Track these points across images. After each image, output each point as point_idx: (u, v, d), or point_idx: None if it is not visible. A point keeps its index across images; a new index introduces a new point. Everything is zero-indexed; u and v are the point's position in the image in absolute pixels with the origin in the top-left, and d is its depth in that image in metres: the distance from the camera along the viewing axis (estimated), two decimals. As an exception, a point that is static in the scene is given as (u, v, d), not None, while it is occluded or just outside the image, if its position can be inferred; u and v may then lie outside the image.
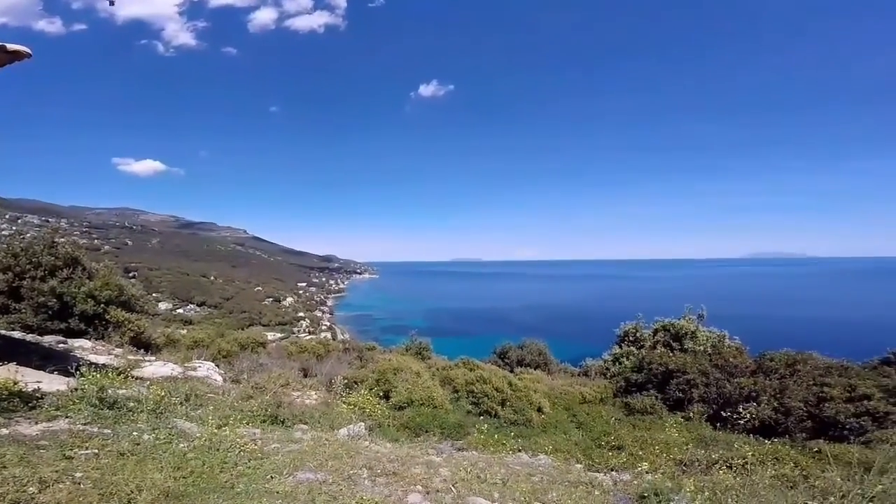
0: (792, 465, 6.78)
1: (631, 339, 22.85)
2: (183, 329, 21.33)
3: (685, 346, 20.03)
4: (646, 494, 4.87)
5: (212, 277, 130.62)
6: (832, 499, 4.58)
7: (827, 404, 13.32)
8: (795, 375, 14.78)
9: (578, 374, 21.53)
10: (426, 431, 9.78)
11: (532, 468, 6.63)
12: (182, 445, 4.94)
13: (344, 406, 10.25)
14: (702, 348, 19.52)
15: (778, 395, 14.01)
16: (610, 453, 8.83)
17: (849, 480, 5.22)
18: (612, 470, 6.95)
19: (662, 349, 19.96)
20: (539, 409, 13.44)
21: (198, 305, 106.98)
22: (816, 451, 8.72)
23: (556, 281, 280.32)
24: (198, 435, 5.27)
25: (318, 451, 5.62)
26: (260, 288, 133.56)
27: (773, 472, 6.17)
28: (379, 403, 11.39)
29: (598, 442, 10.33)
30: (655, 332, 22.01)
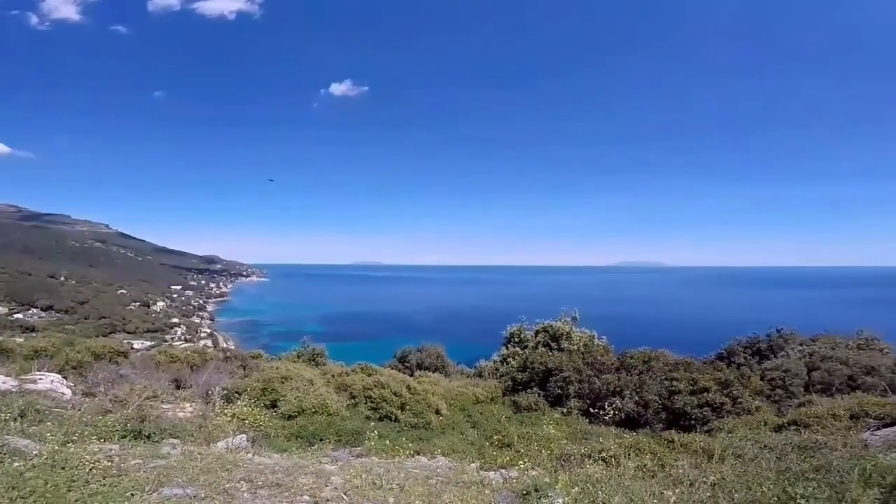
0: (651, 455, 7.56)
1: (516, 340, 24.38)
2: (19, 337, 18.07)
3: (562, 346, 21.81)
4: (527, 491, 5.17)
5: (62, 278, 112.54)
6: (682, 487, 5.20)
7: (676, 397, 14.87)
8: (651, 371, 16.40)
9: (473, 375, 22.35)
10: (321, 440, 9.47)
11: (430, 471, 6.71)
12: (17, 464, 4.29)
13: (223, 418, 9.57)
14: (576, 348, 21.37)
15: (638, 390, 15.44)
16: (499, 451, 9.25)
17: (695, 468, 6.04)
18: (501, 468, 7.29)
19: (543, 349, 21.51)
20: (437, 412, 13.63)
21: (42, 310, 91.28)
22: (670, 441, 9.62)
23: (454, 285, 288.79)
24: (36, 453, 4.57)
25: (188, 465, 5.19)
26: (124, 291, 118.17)
27: (636, 463, 6.81)
28: (264, 414, 10.82)
29: (491, 440, 10.75)
30: (537, 333, 23.70)
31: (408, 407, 13.21)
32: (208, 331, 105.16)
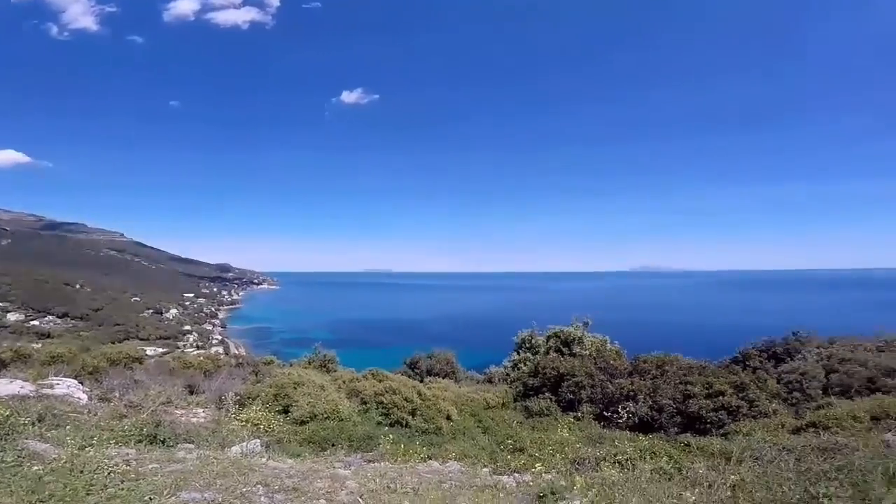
0: (667, 458, 7.49)
1: (527, 346, 24.29)
2: (37, 343, 18.40)
3: (574, 351, 21.69)
4: (543, 494, 5.18)
5: (77, 285, 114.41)
6: (700, 488, 5.19)
7: (691, 401, 14.83)
8: (664, 376, 16.35)
9: (483, 381, 22.32)
10: (333, 445, 9.48)
11: (442, 475, 6.71)
12: (36, 468, 4.32)
13: (236, 423, 9.66)
14: (587, 353, 21.25)
15: (651, 394, 15.42)
16: (512, 456, 9.20)
17: (713, 470, 5.94)
18: (514, 472, 7.27)
19: (554, 354, 21.41)
20: (448, 417, 13.63)
21: (59, 317, 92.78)
22: (686, 445, 9.62)
23: (464, 292, 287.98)
24: (55, 457, 4.62)
25: (204, 470, 5.21)
26: (137, 298, 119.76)
27: (652, 465, 6.75)
28: (276, 419, 10.92)
29: (502, 445, 10.73)
30: (548, 338, 23.60)
31: (418, 412, 13.20)
32: (219, 338, 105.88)
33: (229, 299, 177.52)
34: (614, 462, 7.31)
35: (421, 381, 18.16)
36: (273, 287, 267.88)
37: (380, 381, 15.35)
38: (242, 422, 9.84)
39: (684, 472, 6.29)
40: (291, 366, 18.92)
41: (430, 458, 8.54)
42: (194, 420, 9.42)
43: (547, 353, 22.29)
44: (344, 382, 15.47)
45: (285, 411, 11.81)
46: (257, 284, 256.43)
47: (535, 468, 7.34)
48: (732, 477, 5.34)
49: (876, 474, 4.72)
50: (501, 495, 5.55)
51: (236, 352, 62.62)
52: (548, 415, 15.24)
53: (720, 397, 14.61)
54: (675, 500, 4.83)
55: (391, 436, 10.20)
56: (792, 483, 4.94)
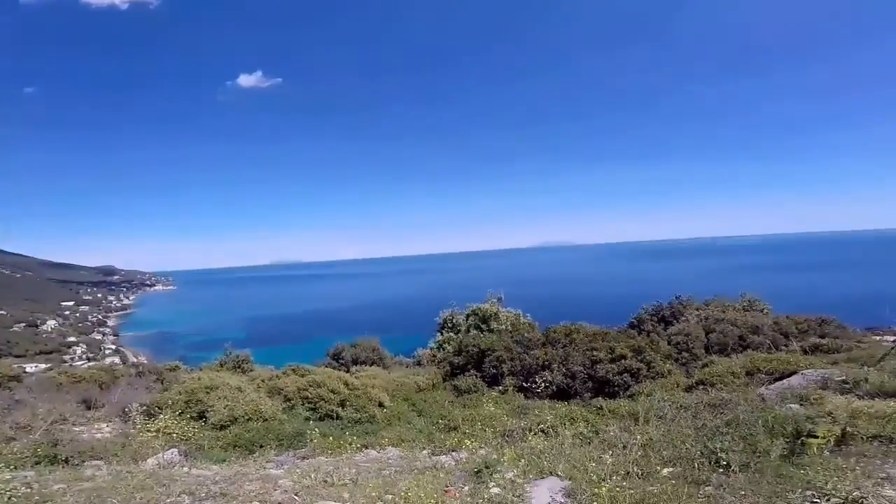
0: (584, 423, 8.10)
1: (449, 325, 24.99)
2: None
3: (492, 327, 22.70)
4: (478, 469, 5.47)
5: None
6: (615, 449, 5.72)
7: (598, 366, 15.75)
8: (573, 344, 17.19)
9: (413, 364, 22.50)
10: (261, 447, 9.14)
11: (382, 462, 6.82)
12: None
13: (147, 434, 9.08)
14: (504, 327, 22.35)
15: (564, 362, 16.30)
16: (447, 435, 9.47)
17: (625, 431, 6.59)
18: (452, 450, 7.55)
19: (475, 332, 22.27)
20: (380, 404, 13.62)
21: None
22: (599, 408, 10.27)
23: (381, 278, 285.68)
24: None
25: (119, 485, 4.88)
26: (3, 311, 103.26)
27: (572, 431, 7.32)
28: (192, 426, 10.36)
29: (438, 426, 10.97)
30: (468, 316, 24.47)
31: (348, 403, 13.08)
32: (113, 347, 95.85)
33: (118, 305, 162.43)
34: (539, 431, 7.83)
35: (347, 372, 17.95)
36: (169, 288, 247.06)
37: (302, 375, 14.92)
38: (153, 432, 9.27)
39: (601, 434, 6.84)
40: (201, 370, 17.81)
41: (367, 447, 8.62)
42: (99, 436, 8.67)
43: (468, 330, 23.06)
44: (263, 381, 14.83)
45: (201, 417, 11.17)
46: (150, 286, 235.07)
47: (465, 444, 7.75)
48: (640, 437, 5.92)
49: (758, 427, 5.36)
50: (442, 475, 5.74)
51: (136, 360, 57.17)
52: (475, 391, 15.67)
53: (622, 361, 15.52)
54: (595, 463, 5.24)
55: (322, 430, 10.09)
56: (692, 439, 5.50)
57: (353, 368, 19.22)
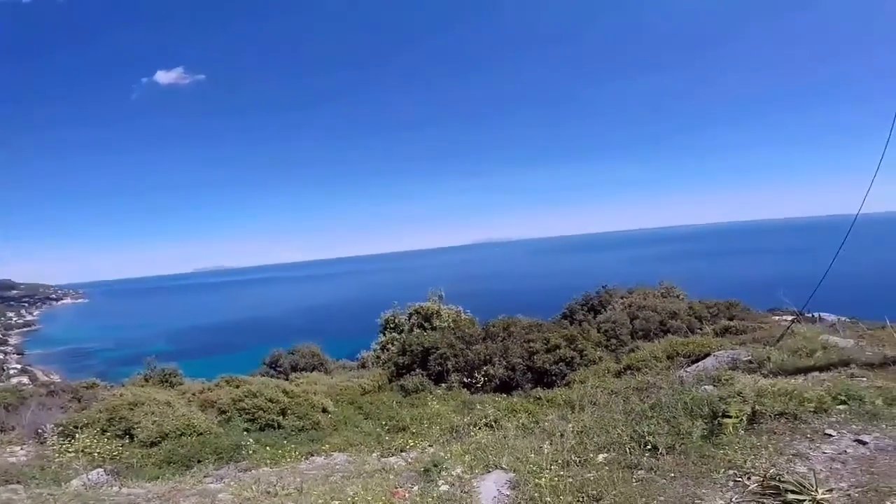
0: (526, 414, 8.47)
1: (392, 325, 24.92)
2: None
3: (434, 325, 22.92)
4: (427, 468, 5.50)
5: None
6: (554, 438, 5.91)
7: (535, 357, 16.34)
8: (511, 337, 17.81)
9: (358, 367, 22.24)
10: (199, 461, 8.81)
11: (328, 469, 6.71)
12: None
13: (69, 455, 8.59)
14: (446, 324, 22.65)
15: (504, 356, 16.79)
16: (396, 436, 9.49)
17: (562, 419, 6.83)
18: (401, 451, 7.57)
19: (418, 330, 22.37)
20: (324, 410, 13.37)
21: None
22: (538, 399, 10.67)
23: (321, 281, 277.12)
24: None
25: None
26: None
27: (515, 423, 7.58)
28: (118, 444, 9.89)
29: (386, 427, 10.96)
30: (410, 316, 24.54)
31: (290, 411, 12.74)
32: (18, 367, 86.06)
33: (20, 321, 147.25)
34: (484, 425, 8.05)
35: (286, 380, 17.39)
36: (79, 300, 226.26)
37: (237, 386, 14.40)
38: (73, 453, 8.75)
39: (541, 424, 7.07)
40: (124, 386, 16.65)
41: (313, 454, 8.47)
42: (12, 460, 8.21)
43: (411, 330, 23.11)
44: (194, 395, 14.23)
45: (127, 435, 10.67)
46: (56, 300, 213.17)
47: (413, 444, 7.81)
48: (571, 426, 6.18)
49: (679, 409, 5.60)
50: (391, 476, 5.73)
51: (47, 379, 52.06)
52: (422, 390, 15.76)
53: (557, 350, 16.16)
54: (534, 454, 5.40)
55: (263, 440, 9.78)
56: (622, 424, 5.73)
57: (293, 376, 18.73)
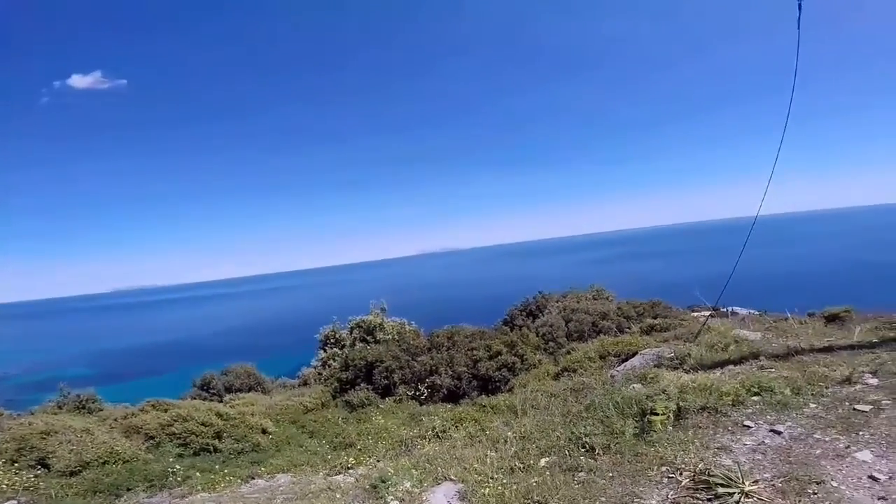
0: (472, 422, 8.44)
1: (332, 341, 24.37)
2: None
3: (377, 338, 22.73)
4: (374, 484, 5.47)
5: None
6: (499, 444, 6.05)
7: (479, 364, 16.51)
8: (455, 346, 17.94)
9: (299, 385, 21.40)
10: (128, 489, 8.32)
11: (271, 491, 6.49)
12: None
13: None
14: (390, 337, 22.55)
15: (450, 365, 16.88)
16: (343, 453, 9.26)
17: (506, 425, 6.96)
18: (348, 469, 7.40)
19: (361, 344, 22.06)
20: (264, 431, 12.78)
21: None
22: (483, 406, 10.65)
23: (252, 297, 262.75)
24: None
25: None
26: None
27: (463, 432, 7.60)
28: (30, 475, 9.05)
29: (332, 445, 10.66)
30: (351, 330, 24.19)
31: (226, 434, 12.10)
32: None
33: None
34: (433, 437, 8.07)
35: (220, 402, 16.49)
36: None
37: (165, 410, 13.46)
38: None
39: (487, 432, 7.14)
40: (33, 414, 15.11)
41: (253, 477, 8.11)
42: None
43: (353, 344, 22.73)
44: (116, 421, 13.14)
45: (42, 465, 9.80)
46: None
47: (361, 460, 7.70)
48: (513, 432, 6.32)
49: (611, 409, 5.79)
50: (338, 495, 5.63)
51: (-65, 409, 44.77)
52: (369, 404, 15.52)
53: (499, 357, 16.45)
54: (479, 463, 5.48)
55: (199, 465, 9.26)
56: (561, 426, 5.88)
57: (227, 397, 17.80)
